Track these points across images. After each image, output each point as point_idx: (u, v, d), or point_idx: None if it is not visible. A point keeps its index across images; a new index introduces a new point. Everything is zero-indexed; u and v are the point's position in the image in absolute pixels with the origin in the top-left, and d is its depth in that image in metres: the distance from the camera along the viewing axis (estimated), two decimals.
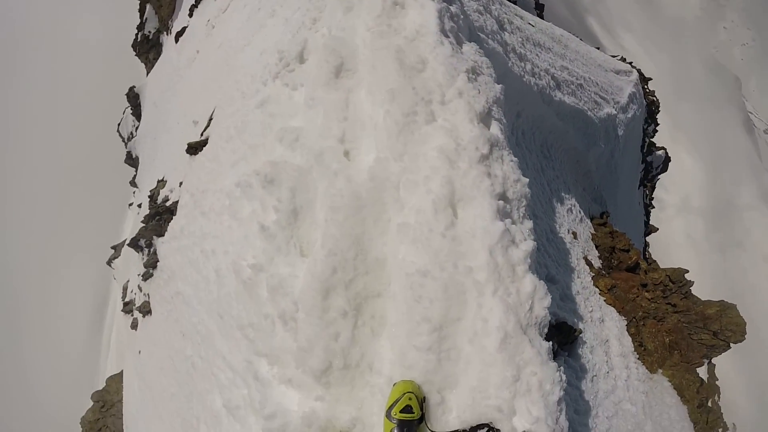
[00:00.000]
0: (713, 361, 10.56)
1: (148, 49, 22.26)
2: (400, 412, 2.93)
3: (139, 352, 13.74)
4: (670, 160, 25.84)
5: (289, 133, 4.87)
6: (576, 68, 10.81)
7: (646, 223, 21.82)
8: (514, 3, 25.47)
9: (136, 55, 23.88)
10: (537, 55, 8.63)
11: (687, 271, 10.58)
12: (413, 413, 2.94)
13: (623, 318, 8.13)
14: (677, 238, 34.41)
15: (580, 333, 5.67)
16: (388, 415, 3.00)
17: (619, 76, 14.99)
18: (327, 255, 3.45)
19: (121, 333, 18.24)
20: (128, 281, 18.78)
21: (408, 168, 3.58)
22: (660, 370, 8.67)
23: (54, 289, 23.67)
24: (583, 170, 11.25)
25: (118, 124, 23.19)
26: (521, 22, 9.11)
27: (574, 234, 8.69)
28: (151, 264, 12.30)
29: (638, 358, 8.05)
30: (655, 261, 28.86)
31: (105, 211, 23.94)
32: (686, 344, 8.92)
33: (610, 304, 8.05)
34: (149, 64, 22.13)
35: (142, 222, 13.58)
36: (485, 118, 3.81)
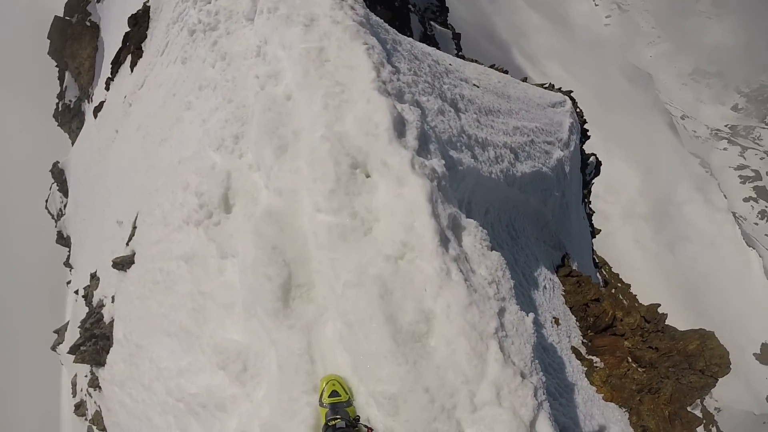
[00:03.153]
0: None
1: (70, 118, 19.51)
2: (329, 396, 2.82)
3: None
4: (601, 164, 25.59)
5: (231, 360, 3.23)
6: (524, 122, 9.64)
7: (592, 232, 21.28)
8: (436, 46, 24.73)
9: (58, 125, 20.97)
10: (492, 126, 7.31)
11: (659, 305, 9.93)
12: (340, 396, 2.82)
13: (624, 410, 6.92)
14: (627, 244, 34.45)
15: None
16: (320, 403, 2.87)
17: (555, 109, 14.06)
18: None
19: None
20: (75, 375, 16.25)
21: None
22: None
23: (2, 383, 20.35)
24: (542, 224, 10.13)
25: (46, 201, 20.25)
26: (468, 89, 7.78)
27: (556, 320, 7.46)
28: (95, 385, 10.35)
29: None
30: (606, 263, 28.79)
31: (42, 292, 20.81)
32: (685, 411, 7.92)
33: (608, 400, 6.84)
34: (73, 134, 19.41)
35: (79, 327, 11.59)
36: (535, 421, 2.34)
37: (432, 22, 26.52)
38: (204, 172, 5.01)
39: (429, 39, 24.00)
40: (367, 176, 3.14)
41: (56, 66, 21.64)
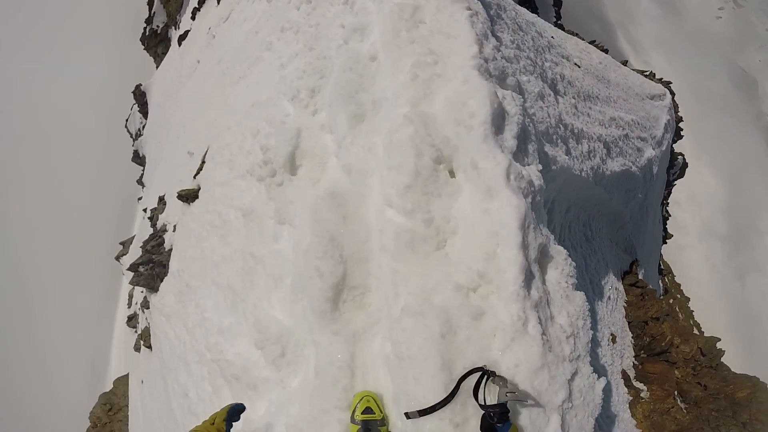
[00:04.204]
0: None
1: (156, 43, 19.91)
2: (362, 413, 2.62)
3: (142, 381, 12.53)
4: (687, 166, 23.49)
5: (270, 342, 3.03)
6: (621, 112, 8.68)
7: (663, 237, 19.75)
8: (535, 10, 22.79)
9: (144, 48, 21.49)
10: (588, 115, 6.56)
11: (719, 340, 9.26)
12: (374, 413, 2.62)
13: None
14: (696, 259, 31.44)
15: None
16: (352, 420, 2.68)
17: (654, 102, 12.70)
18: None
19: (128, 339, 16.82)
20: (133, 288, 17.30)
21: None
22: None
23: (64, 281, 22.06)
24: (618, 225, 9.31)
25: (126, 120, 21.11)
26: (569, 69, 6.98)
27: (614, 337, 6.88)
28: (147, 306, 10.88)
29: None
30: (671, 272, 26.92)
31: (114, 204, 22.15)
32: None
33: None
34: (158, 59, 19.85)
35: (141, 246, 12.10)
36: None
37: None
38: (275, 122, 4.73)
39: (528, 2, 22.22)
40: (452, 175, 2.68)
41: None
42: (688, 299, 26.58)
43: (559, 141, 4.27)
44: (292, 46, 6.29)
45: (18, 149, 24.85)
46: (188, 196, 8.23)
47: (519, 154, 2.77)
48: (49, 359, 21.45)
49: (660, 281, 23.24)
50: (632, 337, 8.42)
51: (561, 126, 4.55)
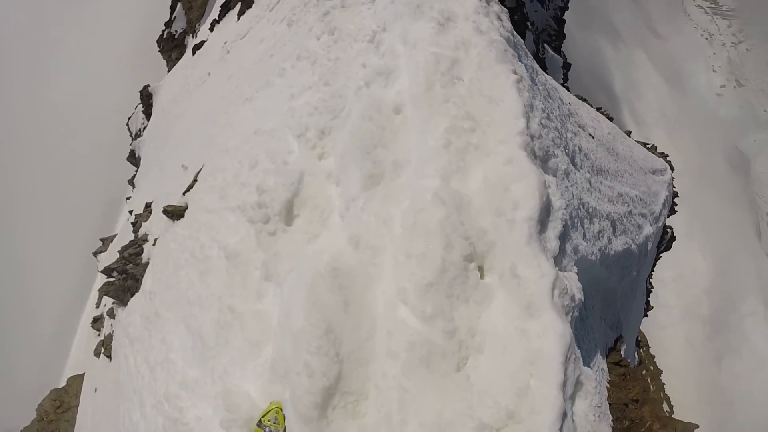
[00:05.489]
0: None
1: (172, 47, 19.60)
2: (269, 421, 2.69)
3: (96, 390, 11.64)
4: (674, 239, 23.44)
5: (236, 424, 2.63)
6: (627, 187, 8.41)
7: (646, 310, 19.44)
8: (545, 71, 22.96)
9: (159, 51, 21.13)
10: (600, 191, 6.22)
11: (697, 427, 8.86)
12: (278, 424, 2.65)
13: None
14: (676, 338, 31.16)
15: None
16: (259, 424, 2.73)
17: (655, 176, 12.52)
18: None
19: (91, 339, 15.80)
20: None
21: None
22: None
23: (40, 265, 20.92)
24: (609, 302, 8.90)
25: (129, 118, 20.56)
26: (585, 140, 6.69)
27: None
28: (111, 315, 10.17)
29: None
30: (647, 344, 26.53)
31: (102, 200, 21.32)
32: None
33: None
34: (171, 63, 19.48)
35: (119, 252, 11.41)
36: None
37: (546, 45, 24.87)
38: (276, 159, 4.24)
39: (539, 62, 22.53)
40: (482, 275, 2.20)
41: None
42: (661, 371, 26.17)
43: (579, 225, 3.86)
44: (306, 76, 5.87)
45: (18, 136, 24.05)
46: (174, 213, 7.66)
47: (559, 257, 2.31)
48: (8, 340, 20.15)
49: (636, 353, 22.86)
50: (612, 420, 7.96)
51: (581, 207, 4.15)
